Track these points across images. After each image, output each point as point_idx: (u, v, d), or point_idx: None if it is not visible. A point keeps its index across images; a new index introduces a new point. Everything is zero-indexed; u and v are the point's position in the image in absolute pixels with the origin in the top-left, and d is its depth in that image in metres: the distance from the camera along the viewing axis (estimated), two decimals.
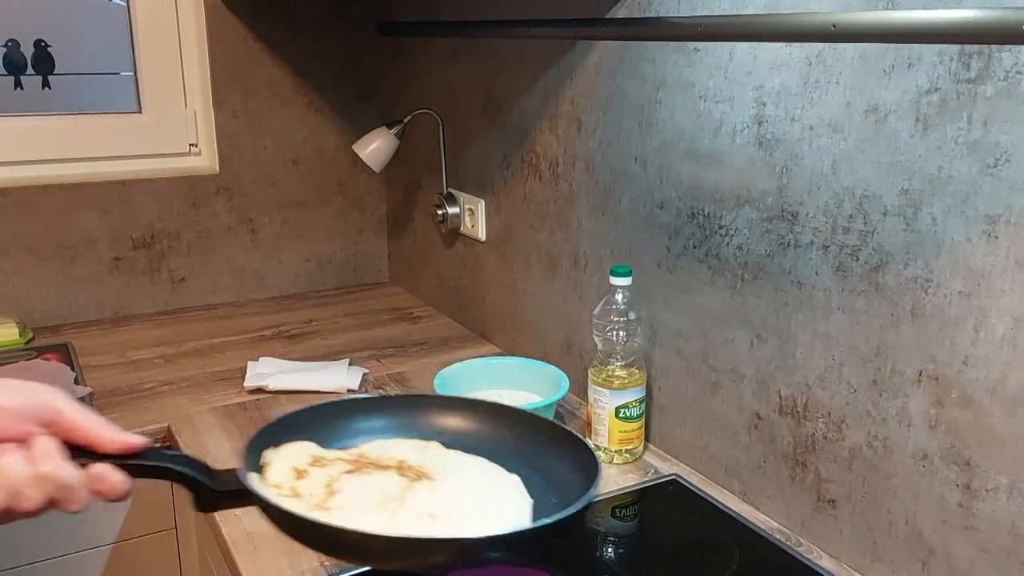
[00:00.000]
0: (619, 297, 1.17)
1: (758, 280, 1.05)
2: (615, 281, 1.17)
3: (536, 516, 0.73)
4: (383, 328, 1.77)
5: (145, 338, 1.70)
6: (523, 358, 1.42)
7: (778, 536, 1.04)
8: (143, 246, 1.81)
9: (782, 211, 1.00)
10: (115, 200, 1.76)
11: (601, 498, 1.12)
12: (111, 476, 0.63)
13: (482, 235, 1.65)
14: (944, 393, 0.85)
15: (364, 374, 1.50)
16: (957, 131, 0.80)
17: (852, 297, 0.93)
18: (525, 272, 1.54)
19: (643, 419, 1.22)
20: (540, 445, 0.82)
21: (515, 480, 0.78)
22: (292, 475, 0.74)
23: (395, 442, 0.83)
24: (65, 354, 1.56)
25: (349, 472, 0.75)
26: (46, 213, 1.71)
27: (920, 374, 0.87)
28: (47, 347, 1.60)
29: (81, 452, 0.64)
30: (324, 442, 0.80)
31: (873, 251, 0.90)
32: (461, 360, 1.39)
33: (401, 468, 0.77)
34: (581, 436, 0.81)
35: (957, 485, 0.84)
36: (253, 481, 0.70)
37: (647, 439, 1.25)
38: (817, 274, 0.97)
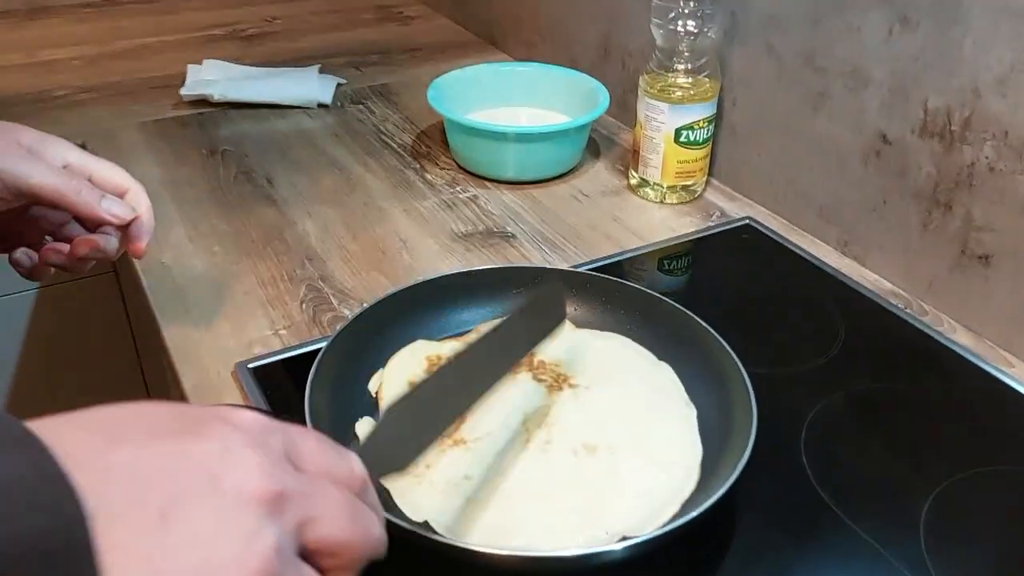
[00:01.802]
0: None
1: None
2: None
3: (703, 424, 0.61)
4: (365, 30, 1.41)
5: (63, 34, 1.35)
6: (545, 64, 1.08)
7: (893, 301, 0.77)
8: None
9: None
10: None
11: (648, 249, 0.84)
12: None
13: None
14: None
15: (338, 85, 1.17)
16: None
17: None
18: None
19: (709, 145, 0.91)
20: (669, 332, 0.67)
21: (668, 373, 0.66)
22: None
23: None
24: None
25: None
26: None
27: None
28: None
29: None
30: (433, 333, 0.69)
31: None
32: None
33: (533, 365, 0.66)
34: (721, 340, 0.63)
35: None
36: (367, 431, 0.55)
37: (710, 172, 0.95)
38: None
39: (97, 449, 0.28)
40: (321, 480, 0.33)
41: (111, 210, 0.59)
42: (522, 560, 0.50)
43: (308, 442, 0.35)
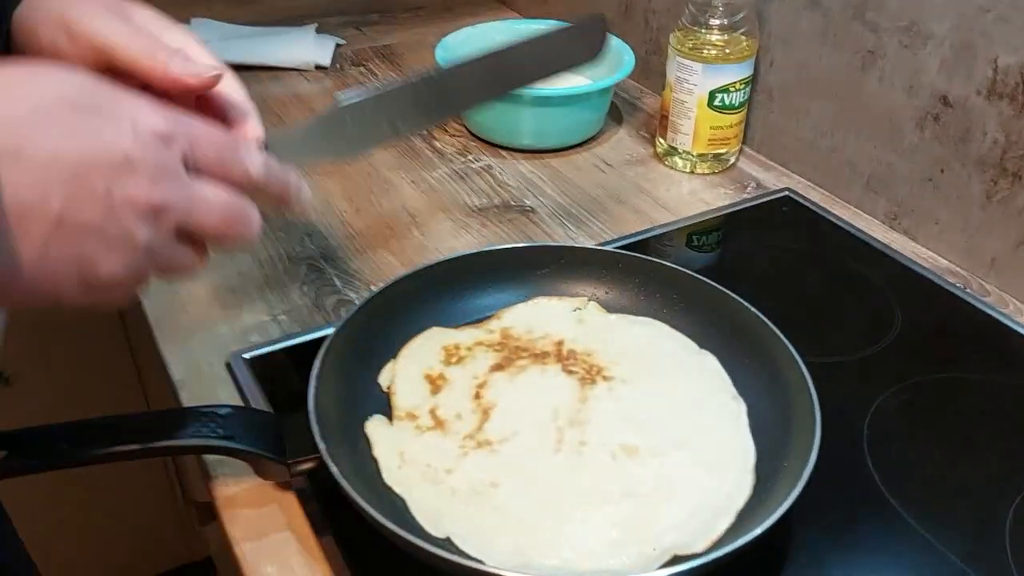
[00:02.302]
0: None
1: None
2: None
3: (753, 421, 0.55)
4: None
5: None
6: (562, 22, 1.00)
7: (951, 280, 0.70)
8: None
9: None
10: None
11: (680, 224, 0.77)
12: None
13: None
14: None
15: (337, 45, 1.09)
16: None
17: None
18: None
19: (745, 110, 0.83)
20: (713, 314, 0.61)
21: (712, 364, 0.59)
22: (426, 390, 0.57)
23: (539, 305, 0.64)
24: None
25: (497, 368, 0.58)
26: None
27: None
28: None
29: None
30: (449, 319, 0.62)
31: None
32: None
33: (563, 356, 0.60)
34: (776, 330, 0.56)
35: None
36: (379, 431, 0.53)
37: (743, 140, 0.88)
38: None
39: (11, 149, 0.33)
40: (207, 188, 0.39)
41: (185, 67, 0.46)
42: None
43: (208, 146, 0.39)
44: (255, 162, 0.41)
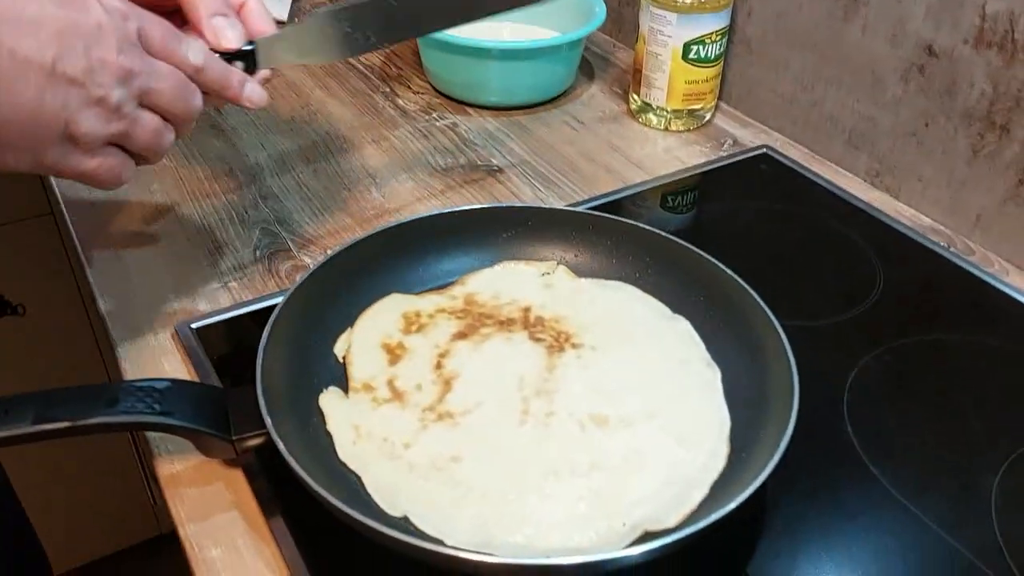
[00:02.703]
0: None
1: None
2: None
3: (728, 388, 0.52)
4: None
5: None
6: None
7: (934, 239, 0.68)
8: None
9: None
10: None
11: (654, 184, 0.74)
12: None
13: None
14: None
15: (294, 1, 1.03)
16: None
17: None
18: None
19: (721, 64, 0.80)
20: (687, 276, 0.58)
21: (686, 329, 0.56)
22: (384, 360, 0.53)
23: (505, 269, 0.61)
24: None
25: (460, 336, 0.55)
26: None
27: None
28: None
29: None
30: (410, 286, 0.59)
31: None
32: None
33: (529, 323, 0.56)
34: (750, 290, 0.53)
35: None
36: (333, 404, 0.50)
37: (719, 96, 0.84)
38: None
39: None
40: (161, 63, 0.46)
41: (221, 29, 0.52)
42: (521, 569, 0.40)
43: (156, 29, 0.46)
44: (194, 48, 0.48)
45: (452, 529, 0.44)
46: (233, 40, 0.51)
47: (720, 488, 0.46)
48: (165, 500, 0.48)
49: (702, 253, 0.56)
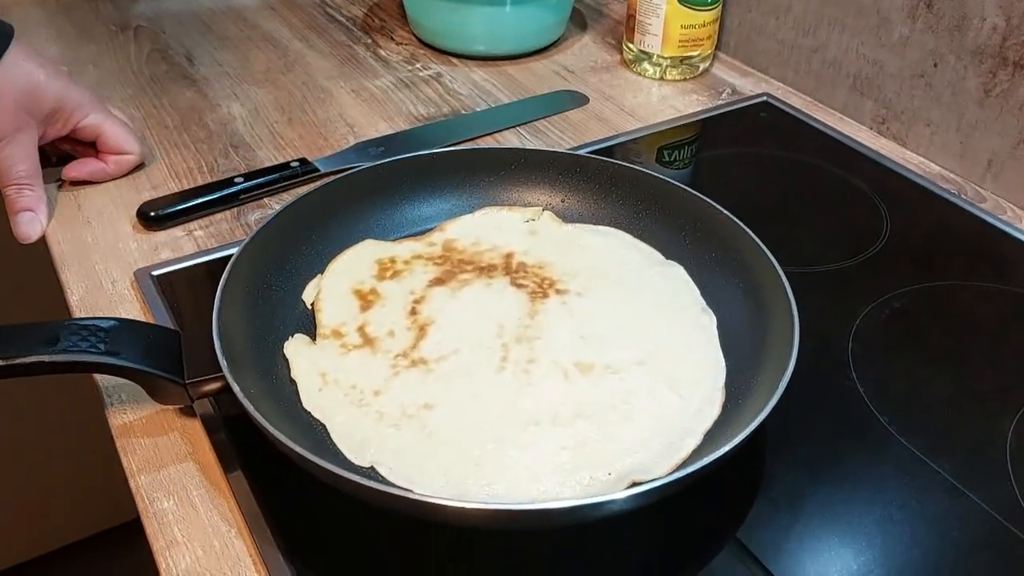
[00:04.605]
0: None
1: None
2: None
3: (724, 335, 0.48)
4: None
5: None
6: None
7: (944, 186, 0.64)
8: None
9: None
10: None
11: (648, 132, 0.70)
12: None
13: None
14: None
15: None
16: None
17: None
18: None
19: (719, 8, 0.76)
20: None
21: (679, 275, 0.52)
22: (355, 305, 0.50)
23: (487, 215, 0.57)
24: None
25: (437, 282, 0.52)
26: None
27: None
28: None
29: None
30: (385, 232, 0.55)
31: None
32: None
33: (511, 269, 0.53)
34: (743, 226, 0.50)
35: None
36: (299, 351, 0.47)
37: (717, 45, 0.80)
38: None
39: None
40: None
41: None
42: (495, 514, 0.37)
43: None
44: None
45: (423, 479, 0.41)
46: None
47: (714, 436, 0.43)
48: (118, 453, 0.45)
49: (697, 194, 0.53)
